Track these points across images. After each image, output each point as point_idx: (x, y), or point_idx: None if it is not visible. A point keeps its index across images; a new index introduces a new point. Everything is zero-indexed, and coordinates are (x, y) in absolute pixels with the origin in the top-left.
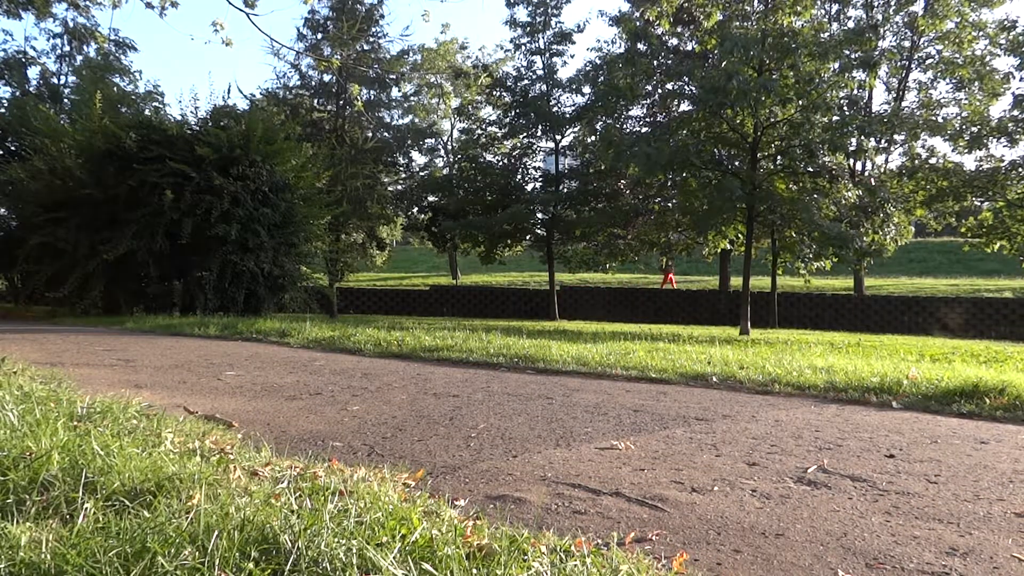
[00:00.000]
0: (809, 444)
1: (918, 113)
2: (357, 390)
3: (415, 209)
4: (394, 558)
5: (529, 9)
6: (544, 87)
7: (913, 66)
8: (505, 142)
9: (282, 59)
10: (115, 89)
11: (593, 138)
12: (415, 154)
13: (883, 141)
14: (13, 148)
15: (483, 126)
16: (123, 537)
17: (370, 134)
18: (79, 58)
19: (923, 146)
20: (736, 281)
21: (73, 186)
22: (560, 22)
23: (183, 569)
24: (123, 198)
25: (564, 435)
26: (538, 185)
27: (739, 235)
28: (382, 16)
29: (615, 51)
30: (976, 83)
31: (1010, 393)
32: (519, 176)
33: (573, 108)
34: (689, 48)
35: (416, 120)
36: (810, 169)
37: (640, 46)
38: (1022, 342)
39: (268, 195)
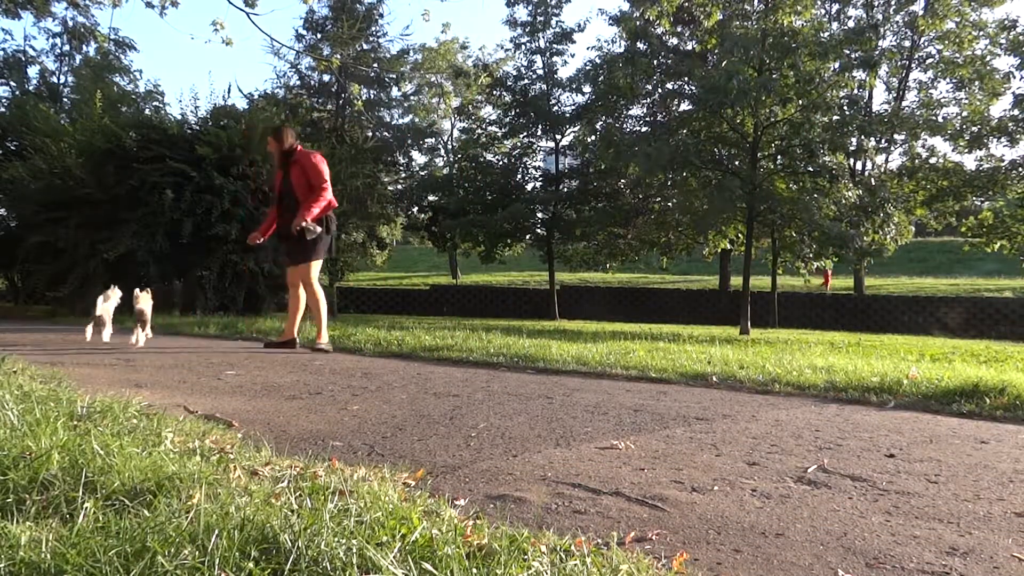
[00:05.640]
0: (809, 444)
1: (918, 113)
2: (357, 389)
3: (415, 209)
4: (394, 557)
5: (529, 8)
6: (544, 86)
7: (913, 66)
8: (505, 142)
9: (282, 59)
10: (115, 88)
11: (593, 138)
12: (415, 154)
13: (883, 141)
14: (13, 147)
15: (483, 126)
16: (123, 536)
17: (370, 134)
18: (79, 57)
19: (923, 146)
20: (736, 281)
21: (73, 185)
22: (560, 21)
23: (183, 568)
24: (123, 198)
25: (564, 435)
26: (538, 184)
27: (739, 235)
28: (381, 15)
29: (615, 50)
30: (976, 83)
31: (1010, 393)
32: (519, 175)
33: (573, 108)
34: (689, 48)
35: (416, 120)
36: (810, 169)
37: (640, 45)
38: (1022, 342)
39: (268, 195)
